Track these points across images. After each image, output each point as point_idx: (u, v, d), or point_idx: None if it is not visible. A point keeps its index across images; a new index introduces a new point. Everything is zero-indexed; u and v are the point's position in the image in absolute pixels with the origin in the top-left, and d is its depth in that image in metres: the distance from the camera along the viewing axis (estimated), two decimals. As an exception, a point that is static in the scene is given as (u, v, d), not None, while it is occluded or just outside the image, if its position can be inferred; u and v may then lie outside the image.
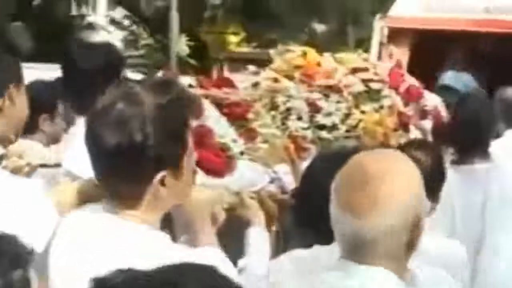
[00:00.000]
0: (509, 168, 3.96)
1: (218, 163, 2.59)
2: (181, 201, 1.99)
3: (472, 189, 3.60)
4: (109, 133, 1.82)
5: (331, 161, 2.26)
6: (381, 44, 7.12)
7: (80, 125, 3.08)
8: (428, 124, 4.49)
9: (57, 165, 2.87)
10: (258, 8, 14.68)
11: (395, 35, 7.41)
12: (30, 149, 2.86)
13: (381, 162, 1.73)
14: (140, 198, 1.85)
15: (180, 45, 16.15)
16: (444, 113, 4.57)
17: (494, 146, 3.92)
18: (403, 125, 4.05)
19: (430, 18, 7.50)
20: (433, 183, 2.89)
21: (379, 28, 7.17)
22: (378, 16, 7.33)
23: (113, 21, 18.21)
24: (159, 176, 1.82)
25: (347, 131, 3.50)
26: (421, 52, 7.21)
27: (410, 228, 1.70)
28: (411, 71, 6.07)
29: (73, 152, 2.83)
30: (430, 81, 5.21)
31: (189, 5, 15.40)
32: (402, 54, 7.23)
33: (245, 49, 16.02)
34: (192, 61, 16.53)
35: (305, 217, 2.49)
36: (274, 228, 2.72)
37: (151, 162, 1.82)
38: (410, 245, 1.72)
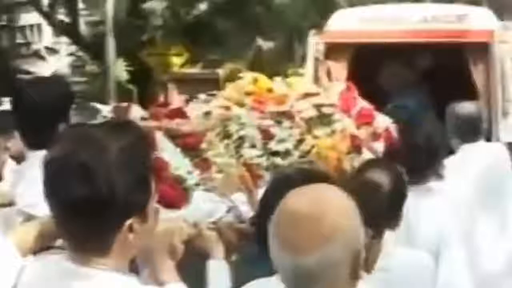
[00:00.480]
0: (459, 185, 4.06)
1: (175, 195, 2.59)
2: (148, 241, 1.99)
3: (426, 207, 3.66)
4: (73, 185, 1.79)
5: (284, 185, 2.31)
6: (316, 60, 6.97)
7: (30, 160, 3.06)
8: (380, 146, 4.54)
9: (12, 204, 2.85)
10: (201, 28, 14.75)
11: (332, 50, 7.25)
12: None
13: (316, 199, 1.78)
14: (108, 246, 1.84)
15: (119, 70, 16.12)
16: (395, 134, 4.63)
17: (449, 164, 4.01)
18: (356, 148, 4.08)
19: (366, 31, 7.36)
20: (393, 202, 2.95)
21: (314, 44, 7.02)
22: (312, 31, 7.18)
23: (52, 50, 18.12)
24: (127, 224, 1.83)
25: (300, 156, 3.52)
26: (360, 66, 7.08)
27: (351, 260, 1.76)
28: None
29: (26, 190, 2.81)
30: (370, 97, 4.98)
31: (127, 29, 15.39)
32: (340, 69, 7.14)
33: (192, 70, 16.07)
34: (131, 86, 16.47)
35: (264, 245, 2.51)
36: (233, 258, 2.72)
37: (118, 211, 1.82)
38: (353, 276, 1.78)
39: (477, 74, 6.84)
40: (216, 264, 2.56)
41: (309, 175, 2.69)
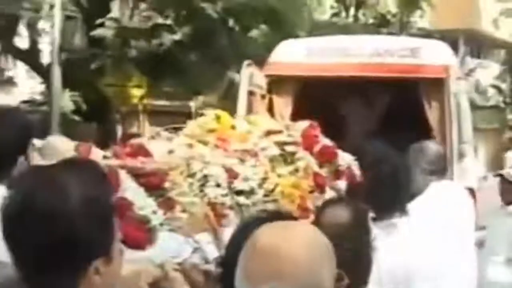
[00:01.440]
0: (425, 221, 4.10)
1: (139, 236, 2.57)
2: (113, 283, 1.98)
3: (391, 244, 3.68)
4: (34, 229, 1.78)
5: (251, 228, 2.31)
6: (251, 94, 6.51)
7: None
8: (342, 184, 4.57)
9: None
10: (162, 61, 14.67)
11: (276, 84, 6.89)
12: None
13: (280, 234, 1.80)
14: None
15: (64, 100, 15.98)
16: (357, 172, 4.66)
17: (418, 202, 4.10)
18: (319, 187, 4.11)
19: (314, 64, 6.93)
20: (356, 237, 2.96)
21: (247, 76, 6.52)
22: (245, 62, 6.67)
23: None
24: (92, 267, 1.83)
25: (265, 195, 3.53)
26: (306, 102, 6.65)
27: None
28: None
29: None
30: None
31: (81, 58, 15.28)
32: (284, 105, 6.77)
33: (163, 102, 15.99)
34: (76, 117, 16.34)
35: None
36: None
37: (83, 255, 1.82)
38: None
39: (432, 111, 6.61)
40: None
41: (276, 216, 2.70)
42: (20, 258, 1.83)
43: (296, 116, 6.39)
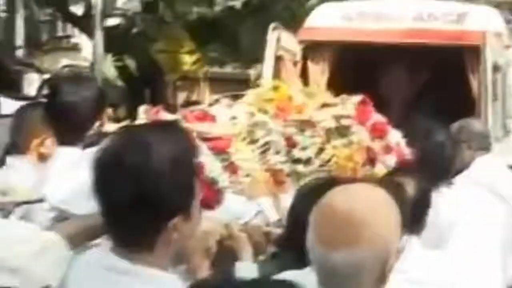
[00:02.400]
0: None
1: (209, 196, 2.76)
2: (190, 240, 2.16)
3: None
4: (122, 184, 1.96)
5: (315, 192, 2.52)
6: (278, 59, 6.28)
7: (60, 158, 3.23)
8: (392, 160, 4.74)
9: (39, 200, 3.00)
10: (217, 27, 14.52)
11: (311, 49, 6.74)
12: (14, 187, 3.00)
13: (353, 198, 1.94)
14: (153, 244, 2.01)
15: (105, 67, 16.12)
16: (406, 149, 4.82)
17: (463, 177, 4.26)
18: (371, 161, 4.28)
19: (351, 29, 6.73)
20: (418, 209, 3.15)
21: (274, 39, 6.27)
22: (271, 26, 6.39)
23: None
24: (172, 223, 2.00)
25: (320, 165, 3.71)
26: (343, 69, 6.57)
27: (380, 266, 1.92)
28: (330, 91, 5.49)
29: (58, 186, 2.98)
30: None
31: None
32: (319, 73, 6.57)
33: (224, 69, 15.91)
34: (120, 84, 16.48)
35: (292, 247, 2.70)
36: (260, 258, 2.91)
37: (166, 211, 1.99)
38: (381, 280, 1.95)
39: (474, 82, 6.33)
40: (245, 265, 2.74)
41: (336, 182, 2.89)
42: (107, 211, 2.03)
43: (332, 84, 6.23)
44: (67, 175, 3.03)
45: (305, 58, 6.76)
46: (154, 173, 1.95)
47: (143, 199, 1.95)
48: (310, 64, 6.74)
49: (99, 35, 14.80)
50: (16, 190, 2.97)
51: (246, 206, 3.03)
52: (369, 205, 1.93)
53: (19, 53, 17.65)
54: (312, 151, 3.65)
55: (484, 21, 6.66)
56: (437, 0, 7.56)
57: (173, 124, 2.27)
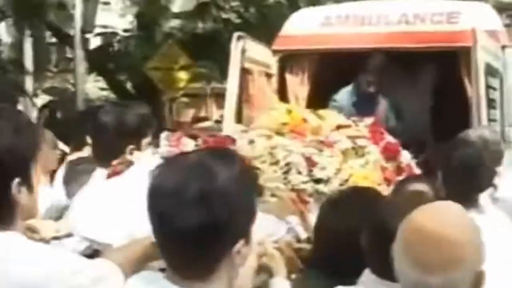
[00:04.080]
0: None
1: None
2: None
3: None
4: (190, 213, 1.94)
5: (339, 207, 2.81)
6: (245, 71, 5.74)
7: (95, 181, 3.40)
8: (403, 180, 4.94)
9: (69, 235, 3.15)
10: (212, 42, 14.31)
11: (288, 60, 6.31)
12: (43, 224, 3.16)
13: (446, 220, 2.01)
14: (218, 271, 2.02)
15: (90, 87, 16.11)
16: (416, 169, 5.02)
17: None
18: (386, 180, 4.47)
19: (332, 35, 6.30)
20: None
21: (239, 50, 5.67)
22: (235, 35, 5.80)
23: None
24: (236, 248, 2.01)
25: (340, 185, 3.90)
26: (324, 79, 6.24)
27: (474, 282, 2.02)
28: (312, 104, 5.40)
29: (87, 216, 3.13)
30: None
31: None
32: (299, 84, 6.27)
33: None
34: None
35: (325, 263, 2.87)
36: (293, 277, 3.08)
37: (231, 238, 1.99)
38: None
39: (467, 87, 5.80)
40: (280, 282, 2.89)
41: (359, 192, 3.10)
42: (170, 242, 2.02)
43: (313, 96, 6.13)
44: (94, 203, 3.19)
45: (282, 69, 6.32)
46: (220, 199, 1.96)
47: (210, 226, 1.96)
48: (288, 76, 6.31)
49: (79, 54, 14.58)
50: (45, 227, 3.11)
51: (277, 224, 3.20)
52: (459, 226, 2.02)
53: (29, 76, 17.75)
54: (331, 170, 3.84)
55: (475, 19, 6.06)
56: None
57: (226, 149, 2.36)
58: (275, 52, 6.24)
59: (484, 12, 6.61)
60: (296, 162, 3.65)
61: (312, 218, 3.40)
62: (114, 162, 3.37)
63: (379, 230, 2.53)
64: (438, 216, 2.02)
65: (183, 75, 14.33)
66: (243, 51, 5.63)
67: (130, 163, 3.33)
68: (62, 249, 3.00)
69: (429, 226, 1.98)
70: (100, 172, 3.37)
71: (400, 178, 4.88)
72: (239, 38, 5.68)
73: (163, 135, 3.42)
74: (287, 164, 3.61)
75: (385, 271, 2.34)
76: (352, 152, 4.17)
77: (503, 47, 6.16)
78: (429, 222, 1.99)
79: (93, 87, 18.68)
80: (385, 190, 4.40)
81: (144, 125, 3.40)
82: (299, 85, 6.25)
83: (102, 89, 17.59)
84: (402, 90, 6.70)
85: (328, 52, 6.26)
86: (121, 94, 16.48)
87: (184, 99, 14.61)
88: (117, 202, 3.06)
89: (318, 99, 6.03)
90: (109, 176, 3.39)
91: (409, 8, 6.42)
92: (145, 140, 3.47)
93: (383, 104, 6.42)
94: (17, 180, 2.14)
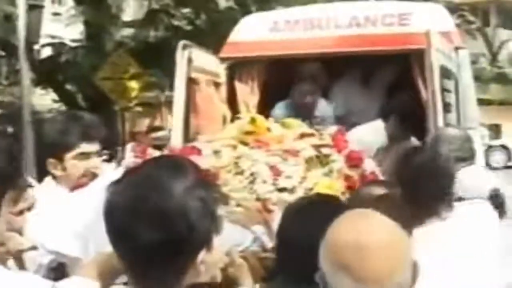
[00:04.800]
0: None
1: (210, 225, 2.98)
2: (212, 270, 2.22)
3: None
4: (145, 229, 1.97)
5: (299, 214, 2.87)
6: (191, 81, 5.66)
7: (44, 191, 3.41)
8: (367, 188, 5.01)
9: (33, 248, 3.15)
10: (162, 50, 14.17)
11: (237, 67, 6.26)
12: (8, 236, 3.15)
13: (374, 228, 2.05)
14: (180, 281, 2.06)
15: (36, 99, 15.89)
16: (381, 177, 5.09)
17: None
18: (350, 189, 4.53)
19: (280, 41, 6.22)
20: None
21: (185, 60, 5.57)
22: (180, 43, 5.67)
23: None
24: (200, 257, 2.06)
25: (304, 193, 3.94)
26: (274, 87, 6.17)
27: (413, 274, 2.08)
28: (263, 112, 5.25)
29: (51, 229, 3.13)
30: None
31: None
32: (249, 92, 6.23)
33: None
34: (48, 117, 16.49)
35: (287, 274, 2.91)
36: (257, 286, 3.11)
37: (194, 248, 2.04)
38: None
39: (422, 91, 5.74)
40: None
41: (319, 200, 3.14)
42: (132, 258, 2.05)
43: (263, 104, 6.12)
44: (57, 215, 3.19)
45: (230, 77, 6.22)
46: (177, 213, 1.99)
47: (169, 241, 1.98)
48: (237, 84, 6.23)
49: (24, 65, 14.14)
50: (10, 240, 3.10)
51: (242, 234, 3.24)
52: (395, 235, 2.06)
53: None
54: (296, 179, 3.89)
55: (428, 21, 5.99)
56: (378, 0, 7.08)
57: (177, 159, 2.37)
58: (223, 59, 6.19)
59: (437, 12, 6.53)
60: (261, 171, 3.69)
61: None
62: (77, 174, 3.38)
63: None
64: (362, 224, 2.06)
65: (134, 84, 14.23)
66: (189, 61, 5.58)
67: (94, 176, 3.35)
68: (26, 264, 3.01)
69: (357, 236, 2.01)
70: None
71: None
72: (184, 47, 5.61)
73: (128, 146, 3.43)
74: (252, 174, 3.64)
75: None
76: (316, 161, 4.22)
77: (457, 48, 6.14)
78: (355, 231, 2.03)
79: (41, 99, 18.58)
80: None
81: (66, 137, 3.38)
82: (249, 93, 6.19)
83: (54, 101, 17.47)
84: (353, 96, 6.62)
85: (277, 58, 6.20)
86: (72, 106, 16.38)
87: (138, 109, 14.45)
88: (81, 215, 3.08)
89: (270, 107, 6.04)
90: (73, 188, 3.40)
91: (359, 10, 6.39)
92: (70, 154, 3.42)
93: (322, 104, 6.32)
94: None
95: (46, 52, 17.52)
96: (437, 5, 6.95)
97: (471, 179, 4.49)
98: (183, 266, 2.05)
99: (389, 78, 6.68)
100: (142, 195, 1.99)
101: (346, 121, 5.84)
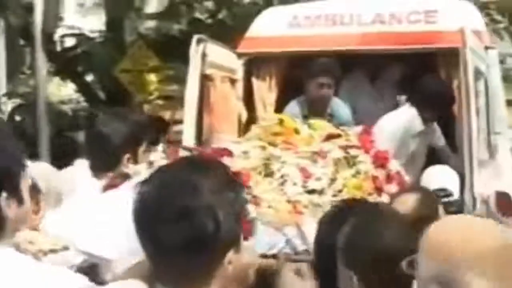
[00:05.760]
0: None
1: (245, 228, 3.04)
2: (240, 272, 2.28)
3: None
4: (173, 229, 2.03)
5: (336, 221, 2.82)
6: (206, 78, 5.50)
7: (81, 192, 3.48)
8: (394, 188, 5.05)
9: (65, 248, 3.22)
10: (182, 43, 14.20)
11: (255, 63, 6.07)
12: (40, 236, 3.22)
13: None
14: (207, 282, 2.11)
15: (51, 89, 15.88)
16: (406, 177, 5.14)
17: None
18: (377, 190, 4.59)
19: (300, 37, 6.04)
20: None
21: (199, 55, 5.43)
22: (195, 37, 5.53)
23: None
24: (228, 257, 2.11)
25: (333, 195, 4.01)
26: (294, 84, 5.99)
27: None
28: (280, 111, 5.36)
29: (84, 229, 3.21)
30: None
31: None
32: (267, 89, 6.07)
33: None
34: (65, 108, 16.44)
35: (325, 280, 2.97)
36: None
37: (221, 248, 2.09)
38: None
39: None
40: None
41: (352, 206, 3.20)
42: (158, 254, 2.11)
43: (282, 102, 6.02)
44: (92, 216, 3.27)
45: (248, 74, 6.03)
46: (205, 213, 2.04)
47: (196, 241, 2.03)
48: (254, 81, 6.05)
49: (40, 56, 13.89)
50: (41, 239, 3.17)
51: (275, 237, 3.31)
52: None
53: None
54: (325, 181, 3.95)
55: (457, 19, 5.76)
56: None
57: (207, 159, 2.43)
58: (240, 55, 5.99)
59: (466, 10, 6.26)
60: (291, 173, 3.75)
61: (308, 229, 3.52)
62: (110, 175, 3.45)
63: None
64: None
65: (153, 77, 14.17)
66: (204, 56, 5.42)
67: (126, 176, 3.43)
68: (58, 264, 3.06)
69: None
70: (93, 183, 3.46)
71: (390, 186, 5.05)
72: (199, 41, 5.44)
73: (160, 147, 3.51)
74: (282, 176, 3.71)
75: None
76: (344, 162, 4.27)
77: (486, 48, 5.93)
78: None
79: (60, 90, 18.65)
80: (377, 200, 4.55)
81: (139, 133, 3.50)
82: (266, 91, 6.04)
83: (74, 91, 17.53)
84: (360, 94, 6.48)
85: (297, 55, 6.02)
86: (91, 97, 16.43)
87: (159, 102, 14.46)
88: (115, 216, 3.14)
89: (287, 105, 5.96)
90: (105, 188, 3.47)
91: (384, 6, 6.15)
92: (141, 149, 3.52)
93: (335, 102, 6.19)
94: (4, 194, 2.20)
95: (67, 42, 17.56)
96: (466, 2, 6.53)
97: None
98: (210, 266, 2.09)
99: (397, 78, 6.53)
100: (171, 193, 2.05)
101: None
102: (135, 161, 3.55)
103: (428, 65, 5.87)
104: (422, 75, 5.81)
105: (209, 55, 5.45)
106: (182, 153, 3.52)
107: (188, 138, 5.16)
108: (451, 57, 5.40)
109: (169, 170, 2.20)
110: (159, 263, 2.12)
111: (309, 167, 3.91)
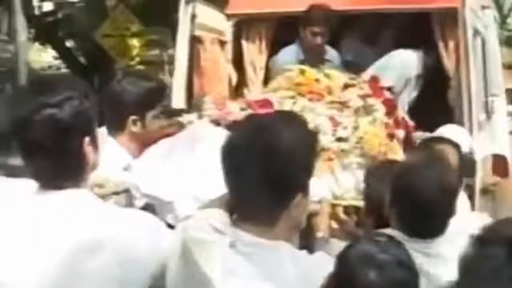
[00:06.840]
0: None
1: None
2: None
3: None
4: (253, 169, 2.28)
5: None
6: (195, 39, 5.38)
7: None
8: (401, 133, 5.27)
9: (126, 191, 3.40)
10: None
11: (245, 25, 5.84)
12: (108, 178, 3.37)
13: None
14: (276, 220, 2.34)
15: (31, 54, 15.71)
16: (411, 122, 5.35)
17: None
18: (390, 136, 4.81)
19: None
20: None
21: (188, 16, 5.32)
22: None
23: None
24: (295, 200, 2.35)
25: (356, 142, 4.22)
26: (285, 46, 5.88)
27: None
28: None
29: (147, 174, 3.36)
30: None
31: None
32: (257, 51, 5.89)
33: None
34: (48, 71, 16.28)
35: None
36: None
37: (290, 191, 2.34)
38: None
39: (447, 53, 5.51)
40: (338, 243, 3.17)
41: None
42: (237, 191, 2.36)
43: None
44: (155, 162, 3.40)
45: (237, 36, 5.82)
46: (281, 157, 2.29)
47: (272, 180, 2.28)
48: (244, 44, 5.86)
49: (20, 21, 13.68)
50: (109, 182, 3.32)
51: (318, 184, 3.52)
52: None
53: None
54: (350, 130, 4.17)
55: None
56: None
57: (290, 113, 2.69)
58: (229, 16, 5.75)
59: None
60: (323, 123, 3.97)
61: (340, 175, 3.78)
62: (164, 123, 3.57)
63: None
64: None
65: (135, 42, 14.08)
66: (193, 17, 5.30)
67: (181, 126, 3.59)
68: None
69: None
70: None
71: (398, 131, 5.19)
72: (188, 1, 5.31)
73: (207, 99, 3.70)
74: (316, 126, 3.92)
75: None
76: (363, 111, 4.49)
77: (483, 7, 5.81)
78: None
79: (40, 56, 18.53)
80: (389, 146, 4.76)
81: (151, 97, 3.56)
82: (256, 53, 5.85)
83: (54, 58, 17.41)
84: (360, 50, 6.43)
85: (288, 16, 5.83)
86: (71, 63, 16.34)
87: (140, 67, 14.38)
88: (179, 163, 3.31)
89: (279, 52, 5.91)
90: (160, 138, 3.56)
91: None
92: (151, 113, 3.59)
93: (330, 51, 6.21)
94: (87, 139, 2.41)
95: (46, 7, 17.37)
96: None
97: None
98: (281, 205, 2.34)
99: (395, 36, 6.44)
100: (256, 137, 2.32)
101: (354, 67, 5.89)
102: (143, 125, 3.58)
103: (422, 25, 5.70)
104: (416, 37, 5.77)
105: (198, 16, 5.34)
106: (230, 104, 3.69)
107: (177, 101, 5.20)
108: (446, 17, 5.37)
109: (257, 118, 2.59)
110: (237, 200, 2.37)
111: (337, 117, 4.12)
